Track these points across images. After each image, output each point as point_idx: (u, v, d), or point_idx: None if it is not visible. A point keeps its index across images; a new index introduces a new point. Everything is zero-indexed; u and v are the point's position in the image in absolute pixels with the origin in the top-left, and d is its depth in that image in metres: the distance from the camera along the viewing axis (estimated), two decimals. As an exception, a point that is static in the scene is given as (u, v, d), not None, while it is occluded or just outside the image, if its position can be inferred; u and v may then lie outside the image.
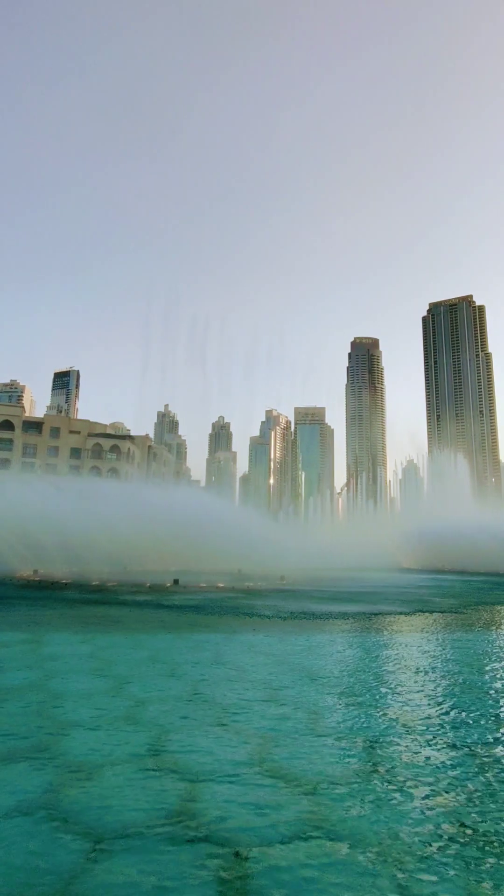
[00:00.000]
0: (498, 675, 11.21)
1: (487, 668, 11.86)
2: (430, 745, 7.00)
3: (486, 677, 11.00)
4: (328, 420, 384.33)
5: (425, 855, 4.47)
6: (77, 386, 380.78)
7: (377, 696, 9.42)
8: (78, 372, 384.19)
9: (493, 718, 8.23)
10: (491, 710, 8.63)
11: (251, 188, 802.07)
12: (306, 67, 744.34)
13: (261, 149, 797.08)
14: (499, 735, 7.48)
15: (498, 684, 10.46)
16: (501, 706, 8.94)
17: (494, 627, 19.56)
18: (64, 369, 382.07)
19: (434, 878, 4.16)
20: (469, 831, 4.88)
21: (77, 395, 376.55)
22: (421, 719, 8.07)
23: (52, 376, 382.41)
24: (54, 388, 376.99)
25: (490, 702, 9.17)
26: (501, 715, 8.44)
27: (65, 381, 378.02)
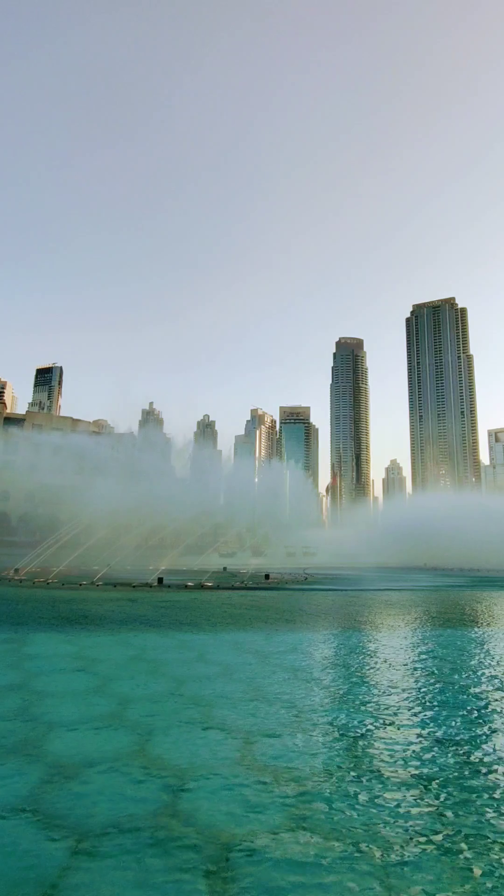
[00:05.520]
0: (473, 671, 11.39)
1: (463, 664, 12.05)
2: (410, 740, 7.11)
3: (462, 673, 11.17)
4: (313, 419, 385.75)
5: (407, 848, 4.55)
6: (60, 382, 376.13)
7: (359, 693, 9.53)
8: (61, 368, 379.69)
9: (469, 712, 8.38)
10: (467, 705, 8.78)
11: (237, 187, 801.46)
12: (293, 54, 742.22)
13: (248, 146, 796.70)
14: (475, 729, 7.62)
15: (473, 680, 10.63)
16: (478, 701, 9.10)
17: (469, 626, 19.83)
18: (46, 365, 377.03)
19: (415, 870, 4.24)
20: (448, 824, 4.98)
21: (60, 392, 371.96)
22: (401, 714, 8.18)
23: (34, 372, 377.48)
24: (36, 384, 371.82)
25: (466, 696, 9.33)
26: (478, 709, 8.60)
27: (47, 378, 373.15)
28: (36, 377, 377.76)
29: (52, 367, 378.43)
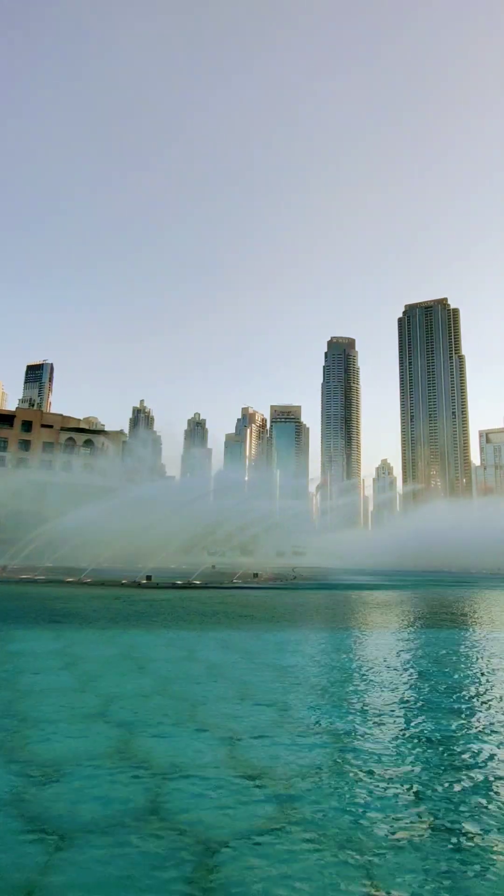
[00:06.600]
0: (457, 670, 11.44)
1: (448, 663, 12.10)
2: (396, 738, 7.11)
3: (449, 671, 11.21)
4: (304, 418, 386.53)
5: (392, 846, 4.54)
6: (50, 379, 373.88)
7: (345, 692, 9.53)
8: (51, 365, 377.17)
9: (456, 711, 8.40)
10: (454, 703, 8.81)
11: (231, 190, 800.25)
12: (293, 75, 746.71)
13: (243, 151, 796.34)
14: (461, 727, 7.64)
15: (460, 678, 10.67)
16: (464, 699, 9.13)
17: (456, 626, 19.94)
18: (37, 362, 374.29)
19: (400, 868, 4.23)
20: (433, 822, 4.98)
21: (50, 389, 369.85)
22: (388, 713, 8.18)
23: (24, 369, 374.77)
24: (27, 381, 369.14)
25: (453, 695, 9.36)
26: (465, 708, 8.62)
27: (38, 375, 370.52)
28: (26, 374, 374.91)
29: (42, 364, 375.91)
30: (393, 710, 8.39)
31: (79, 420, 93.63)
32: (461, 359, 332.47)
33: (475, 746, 6.96)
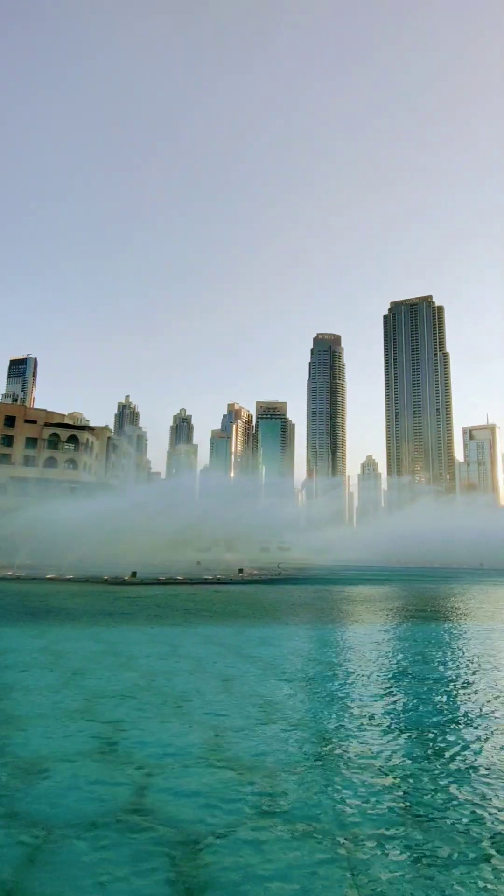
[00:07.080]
0: (442, 664, 11.56)
1: (432, 658, 12.22)
2: (379, 732, 7.15)
3: (431, 666, 11.33)
4: (289, 415, 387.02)
5: (375, 838, 4.57)
6: (34, 374, 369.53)
7: (329, 686, 9.57)
8: (35, 359, 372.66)
9: (440, 705, 8.49)
10: (438, 697, 8.90)
11: (220, 188, 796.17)
12: (288, 74, 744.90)
13: (233, 151, 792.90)
14: (444, 721, 7.72)
15: (442, 673, 10.79)
16: (449, 693, 9.23)
17: (440, 620, 20.16)
18: (20, 356, 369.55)
19: (383, 860, 4.26)
20: (416, 815, 5.02)
21: (34, 384, 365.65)
22: (372, 707, 8.23)
23: (7, 363, 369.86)
24: (10, 375, 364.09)
25: (437, 689, 9.46)
26: (449, 701, 8.72)
27: (21, 369, 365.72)
28: (9, 368, 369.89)
29: (26, 358, 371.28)
30: (377, 703, 8.45)
31: (63, 415, 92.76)
32: (445, 356, 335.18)
33: (461, 738, 7.03)
